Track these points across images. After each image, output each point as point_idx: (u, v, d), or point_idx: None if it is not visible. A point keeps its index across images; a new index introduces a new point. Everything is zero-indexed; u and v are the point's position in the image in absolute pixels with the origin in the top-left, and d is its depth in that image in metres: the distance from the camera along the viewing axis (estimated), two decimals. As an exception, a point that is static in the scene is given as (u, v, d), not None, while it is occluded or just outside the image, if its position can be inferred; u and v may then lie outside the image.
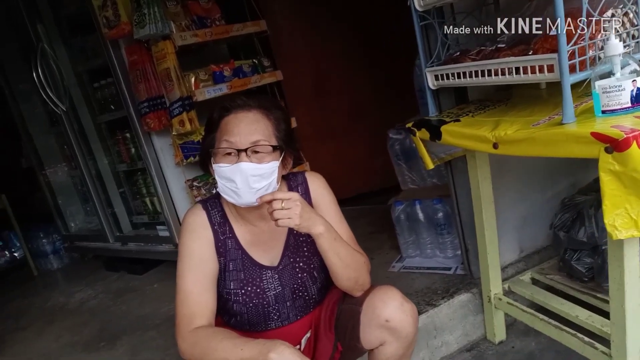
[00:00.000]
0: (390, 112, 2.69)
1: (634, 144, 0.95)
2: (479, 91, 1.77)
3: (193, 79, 2.33)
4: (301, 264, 1.30)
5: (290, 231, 1.31)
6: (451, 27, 1.57)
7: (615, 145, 0.98)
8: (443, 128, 1.49)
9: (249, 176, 1.15)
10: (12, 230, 3.75)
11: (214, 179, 1.22)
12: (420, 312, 1.84)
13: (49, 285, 3.49)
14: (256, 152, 1.17)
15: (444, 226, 2.15)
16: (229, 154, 1.17)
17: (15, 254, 3.78)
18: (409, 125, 1.66)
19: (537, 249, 2.06)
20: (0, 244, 3.75)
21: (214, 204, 1.30)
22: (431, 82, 1.62)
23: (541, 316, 1.61)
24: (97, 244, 3.41)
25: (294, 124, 2.71)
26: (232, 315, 1.29)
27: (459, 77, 1.48)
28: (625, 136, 0.96)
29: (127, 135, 2.87)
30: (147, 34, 2.19)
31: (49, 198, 3.70)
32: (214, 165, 1.19)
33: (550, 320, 1.58)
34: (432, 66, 1.62)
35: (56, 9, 2.96)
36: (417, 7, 1.53)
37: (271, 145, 1.19)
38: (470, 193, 1.72)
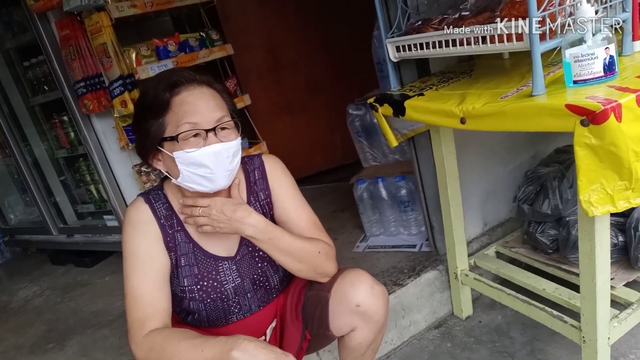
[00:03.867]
0: (349, 86, 2.60)
1: (612, 116, 0.90)
2: (441, 62, 1.69)
3: (134, 55, 2.14)
4: (260, 253, 1.19)
5: None
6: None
7: (592, 118, 0.92)
8: (407, 103, 1.41)
9: (224, 158, 1.04)
10: (-56, 226, 3.44)
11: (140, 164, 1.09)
12: (387, 293, 1.79)
13: (-11, 283, 3.24)
14: (223, 128, 1.06)
15: (407, 203, 2.10)
16: (195, 136, 1.03)
17: (-50, 251, 3.48)
18: (371, 101, 1.56)
19: (501, 222, 2.05)
20: None
21: (157, 196, 1.16)
22: (392, 54, 1.53)
23: (508, 291, 1.59)
24: (39, 237, 3.18)
25: (247, 101, 2.57)
26: (189, 313, 1.18)
27: (421, 48, 1.40)
28: (603, 108, 0.90)
29: (65, 118, 2.65)
30: (78, 5, 1.97)
31: (-18, 189, 3.41)
32: (175, 153, 1.03)
33: (518, 295, 1.57)
34: (393, 37, 1.52)
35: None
36: (375, -27, 1.42)
37: (234, 121, 1.08)
38: (434, 169, 1.66)
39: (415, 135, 1.72)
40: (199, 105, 1.04)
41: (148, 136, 1.06)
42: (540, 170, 1.72)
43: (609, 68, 1.02)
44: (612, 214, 1.55)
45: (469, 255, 1.84)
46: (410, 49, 1.45)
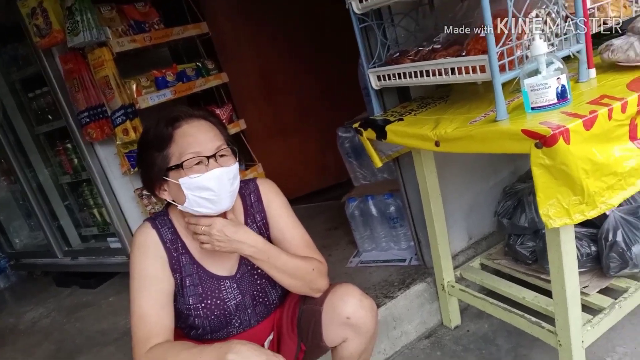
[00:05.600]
0: (339, 109, 2.72)
1: (561, 140, 1.02)
2: (420, 89, 1.82)
3: (134, 86, 2.27)
4: (259, 270, 1.29)
5: None
6: (390, 28, 1.61)
7: (544, 141, 1.04)
8: (388, 128, 1.53)
9: (225, 180, 1.15)
10: (-49, 252, 3.54)
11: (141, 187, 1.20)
12: (378, 305, 1.89)
13: (-4, 307, 3.32)
14: (222, 155, 1.18)
15: (396, 219, 2.21)
16: (197, 164, 1.15)
17: (-43, 276, 3.57)
18: (356, 125, 1.69)
19: (485, 236, 2.15)
20: (-60, 267, 3.53)
21: (163, 221, 1.26)
22: (374, 83, 1.65)
23: (491, 300, 1.69)
24: (45, 260, 3.27)
25: (243, 125, 2.70)
26: (193, 328, 1.28)
27: (399, 77, 1.52)
28: (552, 132, 1.02)
29: (69, 145, 2.77)
30: (82, 42, 2.11)
31: (-12, 215, 3.52)
32: (182, 179, 1.14)
33: (499, 304, 1.67)
34: (374, 67, 1.65)
35: (-19, 17, 2.79)
36: (356, 10, 1.55)
37: (230, 148, 1.21)
38: (418, 187, 1.78)
39: (399, 155, 1.83)
40: (199, 136, 1.16)
41: (154, 168, 1.17)
42: (517, 186, 1.84)
43: (562, 96, 1.14)
44: (585, 226, 1.68)
45: (455, 267, 1.94)
46: (389, 78, 1.58)
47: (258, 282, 1.30)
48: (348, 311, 1.25)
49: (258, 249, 1.21)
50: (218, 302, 1.25)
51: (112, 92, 2.20)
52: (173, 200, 1.20)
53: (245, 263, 1.30)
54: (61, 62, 2.34)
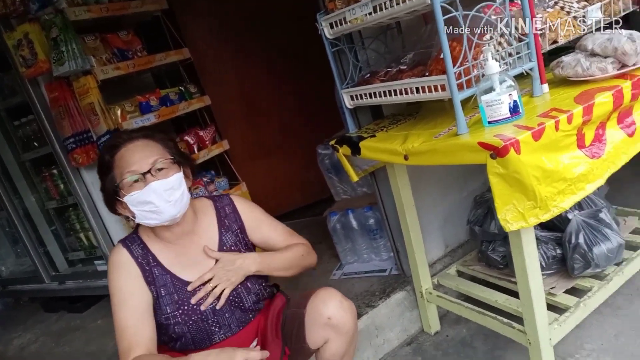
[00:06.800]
0: (319, 127, 2.81)
1: (512, 150, 1.12)
2: (392, 106, 1.92)
3: (119, 112, 2.33)
4: None
5: (220, 247, 1.41)
6: (361, 51, 1.72)
7: (497, 152, 1.14)
8: (362, 144, 1.63)
9: (162, 192, 1.25)
10: None
11: (126, 216, 1.32)
12: (361, 314, 1.96)
13: (-17, 335, 3.31)
14: (159, 169, 1.28)
15: (376, 231, 2.29)
16: (136, 181, 1.26)
17: (-58, 306, 3.55)
18: (332, 142, 1.79)
19: (461, 243, 2.25)
20: None
21: (132, 239, 1.37)
22: (347, 102, 1.76)
23: (466, 305, 1.78)
24: (32, 286, 3.28)
25: (226, 145, 2.78)
26: (176, 340, 1.35)
27: (370, 96, 1.63)
28: (503, 144, 1.12)
29: (54, 171, 2.82)
30: (67, 71, 2.18)
31: (-26, 243, 3.52)
32: (125, 198, 1.26)
33: (474, 307, 1.75)
34: (348, 87, 1.75)
35: (-35, 48, 2.85)
36: (328, 35, 1.66)
37: (168, 159, 1.30)
38: (394, 199, 1.87)
39: (375, 170, 1.93)
40: (133, 156, 1.27)
41: (105, 191, 1.32)
42: (487, 195, 1.95)
43: (514, 110, 1.25)
44: (550, 230, 1.79)
45: (433, 275, 2.03)
46: (362, 98, 1.68)
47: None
48: (329, 312, 1.35)
49: (258, 262, 1.39)
50: (194, 306, 1.33)
51: (98, 118, 2.27)
52: (132, 217, 1.31)
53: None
54: (47, 90, 2.41)
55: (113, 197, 1.30)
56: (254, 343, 1.43)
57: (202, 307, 1.32)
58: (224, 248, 1.42)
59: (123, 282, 1.30)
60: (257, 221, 1.49)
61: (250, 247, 1.48)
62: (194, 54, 2.73)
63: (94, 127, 2.32)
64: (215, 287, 1.33)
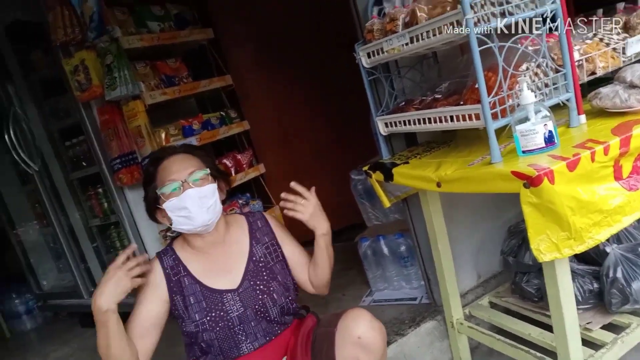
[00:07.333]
0: (353, 152, 2.85)
1: (545, 180, 1.13)
2: (427, 134, 1.95)
3: (164, 135, 2.46)
4: (261, 287, 1.46)
5: (250, 258, 1.49)
6: (397, 79, 1.77)
7: (530, 181, 1.15)
8: (394, 170, 1.66)
9: (197, 199, 1.37)
10: (-18, 292, 3.70)
11: (166, 229, 1.42)
12: (390, 342, 1.95)
13: (23, 347, 3.43)
14: (195, 179, 1.39)
15: (407, 259, 2.29)
16: (174, 190, 1.38)
17: (-13, 317, 3.71)
18: (365, 168, 1.82)
19: (494, 274, 2.21)
20: (-30, 307, 3.68)
21: (166, 251, 1.50)
22: (382, 129, 1.80)
23: (498, 337, 1.74)
24: (71, 301, 3.39)
25: (262, 169, 2.86)
26: (206, 352, 1.41)
27: (405, 124, 1.66)
28: (537, 174, 1.13)
29: (100, 190, 2.95)
30: (119, 95, 2.33)
31: (20, 257, 3.68)
32: (165, 204, 1.38)
33: (507, 340, 1.72)
34: (382, 115, 1.80)
35: (27, 73, 3.07)
36: (365, 65, 1.72)
37: (204, 171, 1.42)
38: (426, 227, 1.87)
39: (408, 196, 1.95)
40: (173, 167, 1.41)
41: (147, 199, 1.45)
42: (521, 225, 1.92)
43: (549, 140, 1.26)
44: (587, 264, 1.75)
45: (465, 305, 2.00)
46: (396, 125, 1.72)
47: (260, 297, 1.45)
48: (359, 331, 1.37)
49: (329, 231, 1.55)
50: (221, 313, 1.40)
51: (143, 140, 2.39)
52: (170, 224, 1.41)
53: (248, 279, 1.46)
54: (98, 113, 2.57)
55: (154, 205, 1.43)
56: (284, 360, 1.46)
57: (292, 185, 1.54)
58: (254, 259, 1.50)
59: (142, 294, 1.41)
60: (284, 237, 1.59)
61: (282, 258, 1.54)
62: (235, 80, 2.86)
63: (139, 149, 2.44)
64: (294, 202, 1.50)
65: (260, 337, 1.43)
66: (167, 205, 1.38)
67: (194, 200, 1.36)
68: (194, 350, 1.43)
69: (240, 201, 2.72)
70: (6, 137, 3.07)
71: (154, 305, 1.40)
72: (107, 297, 1.25)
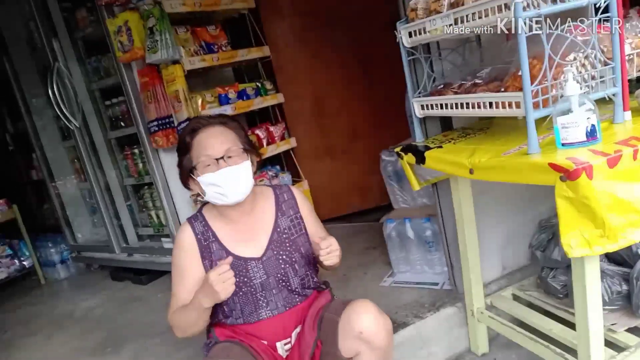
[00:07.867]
0: (386, 134, 2.83)
1: (583, 174, 1.10)
2: (463, 119, 1.91)
3: (200, 101, 2.50)
4: (284, 257, 1.50)
5: (275, 229, 1.53)
6: (437, 61, 1.73)
7: (568, 175, 1.12)
8: (427, 154, 1.64)
9: (231, 178, 1.40)
10: (22, 240, 3.89)
11: (196, 193, 1.50)
12: (407, 324, 1.97)
13: (56, 294, 3.62)
14: (230, 157, 1.41)
15: (432, 244, 2.28)
16: (209, 165, 1.40)
17: (25, 263, 3.91)
18: (397, 150, 1.81)
19: (520, 267, 2.18)
20: (11, 253, 3.88)
21: (196, 217, 1.54)
22: (418, 111, 1.77)
23: (518, 329, 1.73)
24: (103, 255, 3.55)
25: (293, 143, 2.87)
26: (227, 314, 1.47)
27: (441, 107, 1.64)
28: (575, 167, 1.10)
29: (136, 151, 3.04)
30: (159, 59, 2.36)
31: (58, 209, 3.86)
32: (199, 178, 1.41)
33: (526, 333, 1.70)
34: (419, 96, 1.77)
35: (72, 31, 3.14)
36: (405, 44, 1.69)
37: (239, 148, 1.44)
38: (454, 213, 1.86)
39: (438, 181, 1.93)
40: (209, 141, 1.42)
41: (182, 168, 1.47)
42: (552, 220, 1.89)
43: (591, 134, 1.22)
44: (618, 265, 1.71)
45: (487, 295, 1.98)
46: (432, 108, 1.69)
47: (282, 266, 1.48)
48: (361, 326, 1.36)
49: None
50: (245, 279, 1.45)
51: (181, 105, 2.43)
52: (200, 193, 1.45)
53: (271, 248, 1.49)
54: (138, 75, 2.61)
55: (188, 174, 1.46)
56: (298, 329, 1.50)
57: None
58: (278, 230, 1.53)
59: (182, 260, 1.48)
60: (307, 213, 1.60)
61: (305, 232, 1.56)
62: (273, 52, 2.85)
63: (176, 113, 2.49)
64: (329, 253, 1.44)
65: (281, 306, 1.47)
66: (202, 180, 1.41)
67: (227, 180, 1.39)
68: (216, 312, 1.48)
69: (270, 173, 2.75)
70: (50, 91, 3.17)
71: (196, 270, 1.46)
72: (220, 295, 1.31)
